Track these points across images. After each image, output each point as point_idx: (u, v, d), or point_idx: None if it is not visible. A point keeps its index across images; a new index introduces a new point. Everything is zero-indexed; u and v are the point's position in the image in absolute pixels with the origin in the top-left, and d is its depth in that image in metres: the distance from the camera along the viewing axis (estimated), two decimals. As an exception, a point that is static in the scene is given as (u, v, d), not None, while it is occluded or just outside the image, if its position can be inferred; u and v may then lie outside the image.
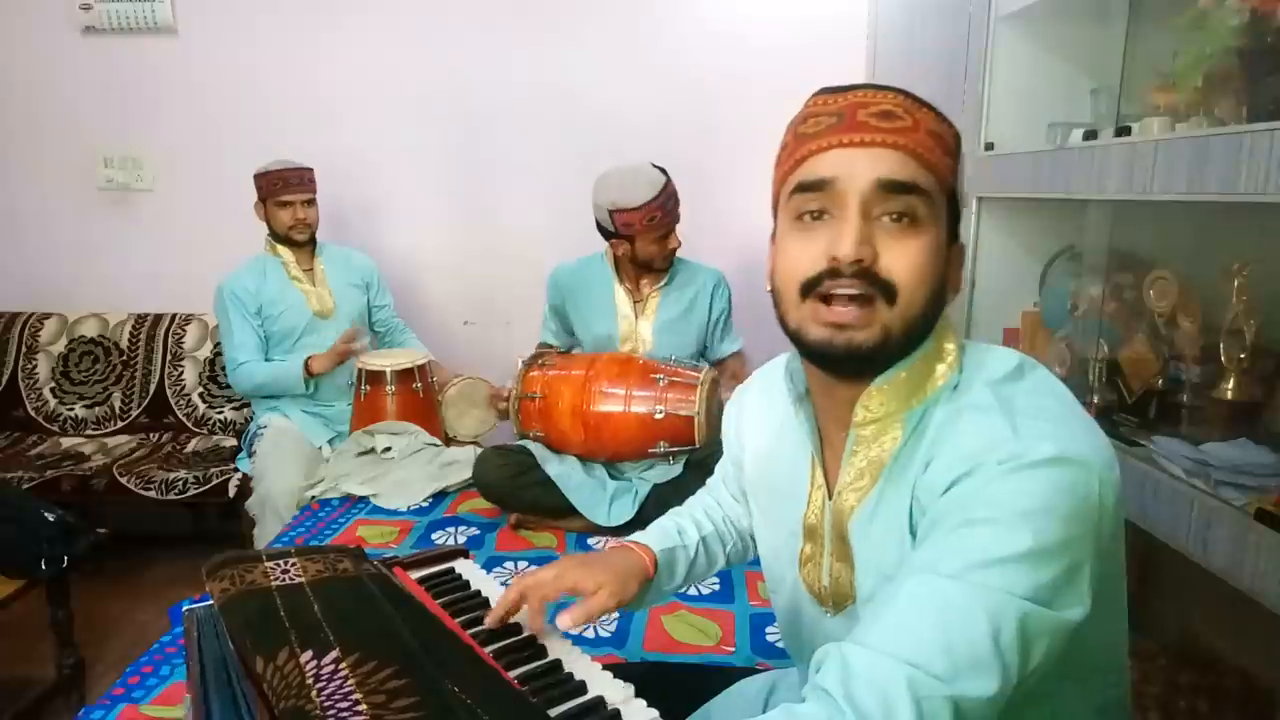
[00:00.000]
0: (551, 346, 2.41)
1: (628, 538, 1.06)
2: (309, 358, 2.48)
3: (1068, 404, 0.74)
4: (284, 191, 2.52)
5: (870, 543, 0.79)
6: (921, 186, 0.72)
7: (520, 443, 2.16)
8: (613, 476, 2.14)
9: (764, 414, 0.97)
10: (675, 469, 2.11)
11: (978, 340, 0.80)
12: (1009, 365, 0.76)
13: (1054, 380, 0.77)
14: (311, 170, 2.58)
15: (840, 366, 0.77)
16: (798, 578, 0.88)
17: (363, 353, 2.52)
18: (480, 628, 0.97)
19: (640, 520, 1.93)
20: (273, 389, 2.51)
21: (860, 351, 0.74)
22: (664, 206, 2.13)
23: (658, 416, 2.03)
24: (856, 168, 0.73)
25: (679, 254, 2.28)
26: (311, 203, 2.58)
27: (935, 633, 0.61)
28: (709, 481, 1.18)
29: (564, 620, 0.89)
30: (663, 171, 2.15)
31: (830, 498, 0.83)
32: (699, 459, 2.09)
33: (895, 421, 0.77)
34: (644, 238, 2.16)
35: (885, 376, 0.76)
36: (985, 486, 0.66)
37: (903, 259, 0.72)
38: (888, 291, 0.72)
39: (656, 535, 1.07)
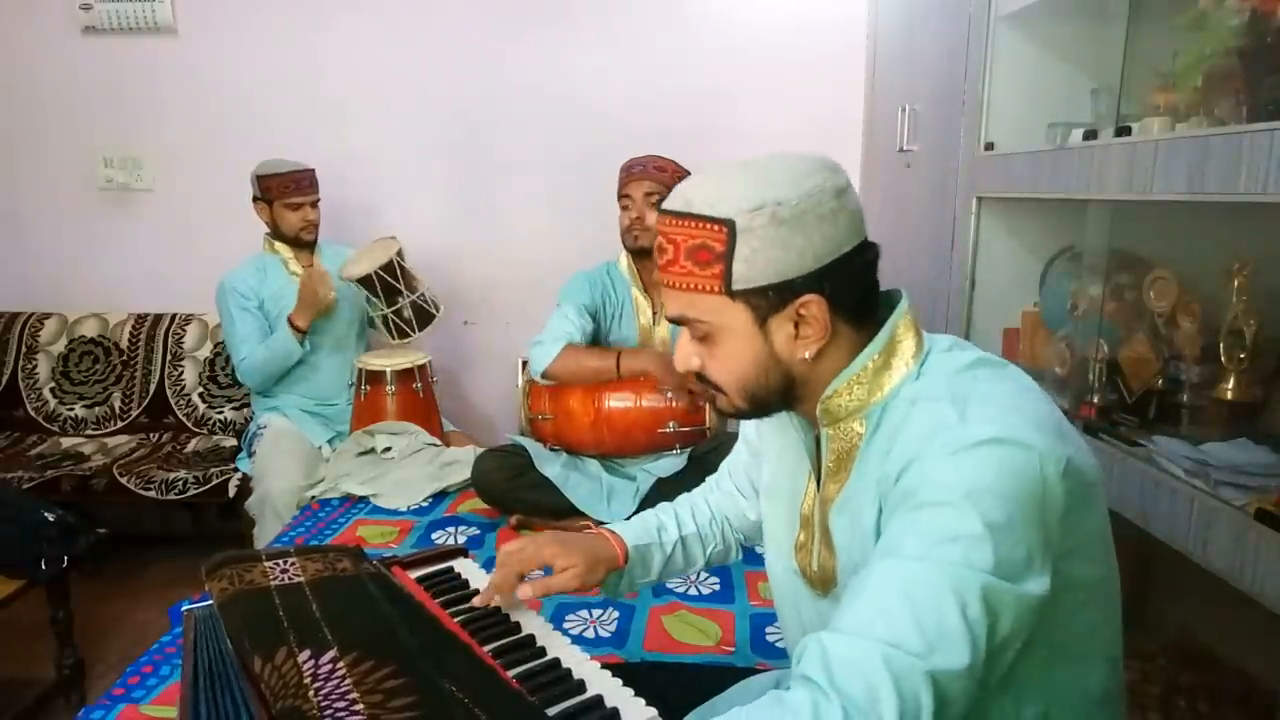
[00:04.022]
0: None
1: (608, 526, 1.11)
2: (288, 317, 2.46)
3: (1023, 390, 0.78)
4: (295, 194, 2.53)
5: (841, 530, 0.85)
6: (688, 316, 0.82)
7: (514, 440, 2.18)
8: (610, 472, 2.17)
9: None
10: (679, 461, 2.13)
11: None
12: (967, 359, 0.80)
13: (1014, 371, 0.81)
14: (314, 171, 2.58)
15: None
16: (793, 563, 0.93)
17: (330, 290, 2.48)
18: (469, 616, 0.97)
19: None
20: (276, 363, 2.48)
21: (727, 413, 0.90)
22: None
23: (669, 394, 2.10)
24: None
25: None
26: (317, 204, 2.60)
27: (905, 612, 0.65)
28: (710, 478, 1.20)
29: (524, 591, 0.98)
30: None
31: (819, 489, 0.89)
32: (701, 453, 2.12)
33: (858, 418, 0.82)
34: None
35: (834, 384, 0.82)
36: (931, 471, 0.70)
37: (713, 366, 0.85)
38: (717, 388, 0.86)
39: (635, 530, 1.11)
